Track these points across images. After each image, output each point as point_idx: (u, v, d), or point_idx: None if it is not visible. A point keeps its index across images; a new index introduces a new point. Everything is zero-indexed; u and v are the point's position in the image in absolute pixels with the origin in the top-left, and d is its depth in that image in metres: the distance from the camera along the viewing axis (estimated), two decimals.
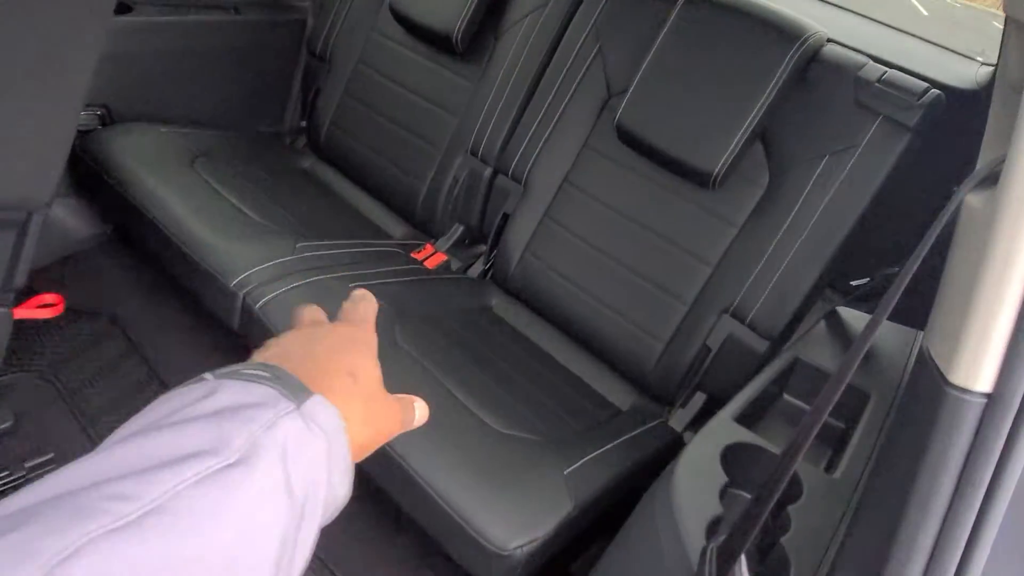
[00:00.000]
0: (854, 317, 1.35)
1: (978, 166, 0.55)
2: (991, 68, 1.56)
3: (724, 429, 1.06)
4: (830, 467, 1.10)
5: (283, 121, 2.16)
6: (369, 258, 1.69)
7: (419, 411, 0.50)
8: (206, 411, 0.35)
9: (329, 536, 0.43)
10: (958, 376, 0.49)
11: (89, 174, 1.68)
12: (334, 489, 0.38)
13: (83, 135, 1.72)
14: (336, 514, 0.40)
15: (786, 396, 1.28)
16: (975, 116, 1.45)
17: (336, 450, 0.38)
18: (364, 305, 0.51)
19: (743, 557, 0.69)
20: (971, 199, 0.50)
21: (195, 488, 0.31)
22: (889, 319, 0.57)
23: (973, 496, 0.50)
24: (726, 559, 0.70)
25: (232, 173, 1.77)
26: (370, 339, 0.48)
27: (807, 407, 1.20)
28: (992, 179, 0.46)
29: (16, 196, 1.21)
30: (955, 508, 0.50)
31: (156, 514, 0.29)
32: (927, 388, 0.52)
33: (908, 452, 0.53)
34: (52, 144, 1.22)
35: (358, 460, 0.42)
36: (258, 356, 0.43)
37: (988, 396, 0.48)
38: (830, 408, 0.68)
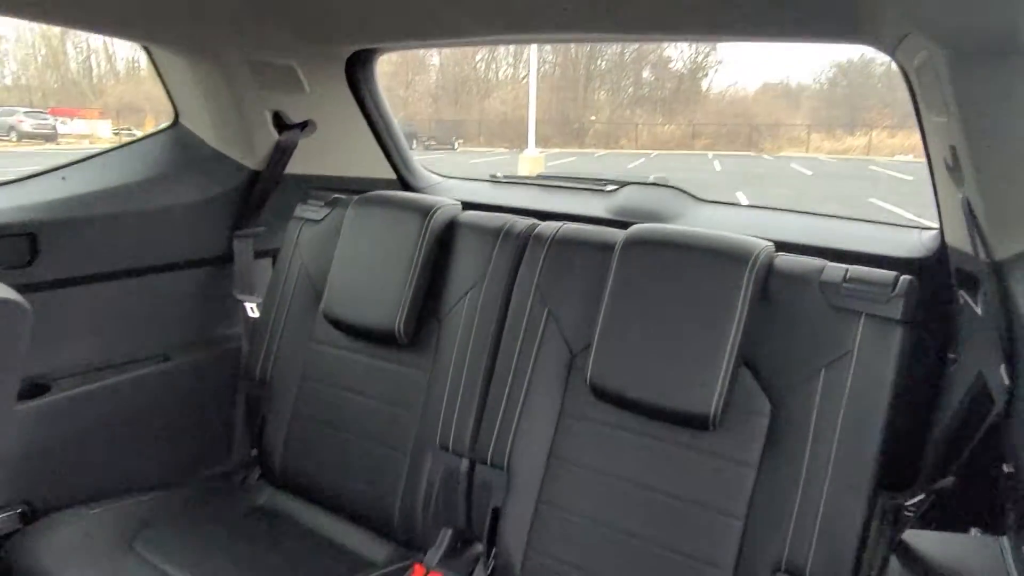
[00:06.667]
0: (927, 541, 1.16)
1: None
2: (935, 232, 1.52)
3: None
4: None
5: (230, 458, 1.98)
6: None
7: None
8: None
9: None
10: None
11: None
12: None
13: (3, 541, 1.50)
14: None
15: None
16: (937, 285, 1.40)
17: None
18: None
19: None
20: None
21: None
22: None
23: None
24: None
25: (180, 542, 1.54)
26: None
27: None
28: None
29: None
30: None
31: None
32: None
33: None
34: None
35: None
36: None
37: None
38: None
